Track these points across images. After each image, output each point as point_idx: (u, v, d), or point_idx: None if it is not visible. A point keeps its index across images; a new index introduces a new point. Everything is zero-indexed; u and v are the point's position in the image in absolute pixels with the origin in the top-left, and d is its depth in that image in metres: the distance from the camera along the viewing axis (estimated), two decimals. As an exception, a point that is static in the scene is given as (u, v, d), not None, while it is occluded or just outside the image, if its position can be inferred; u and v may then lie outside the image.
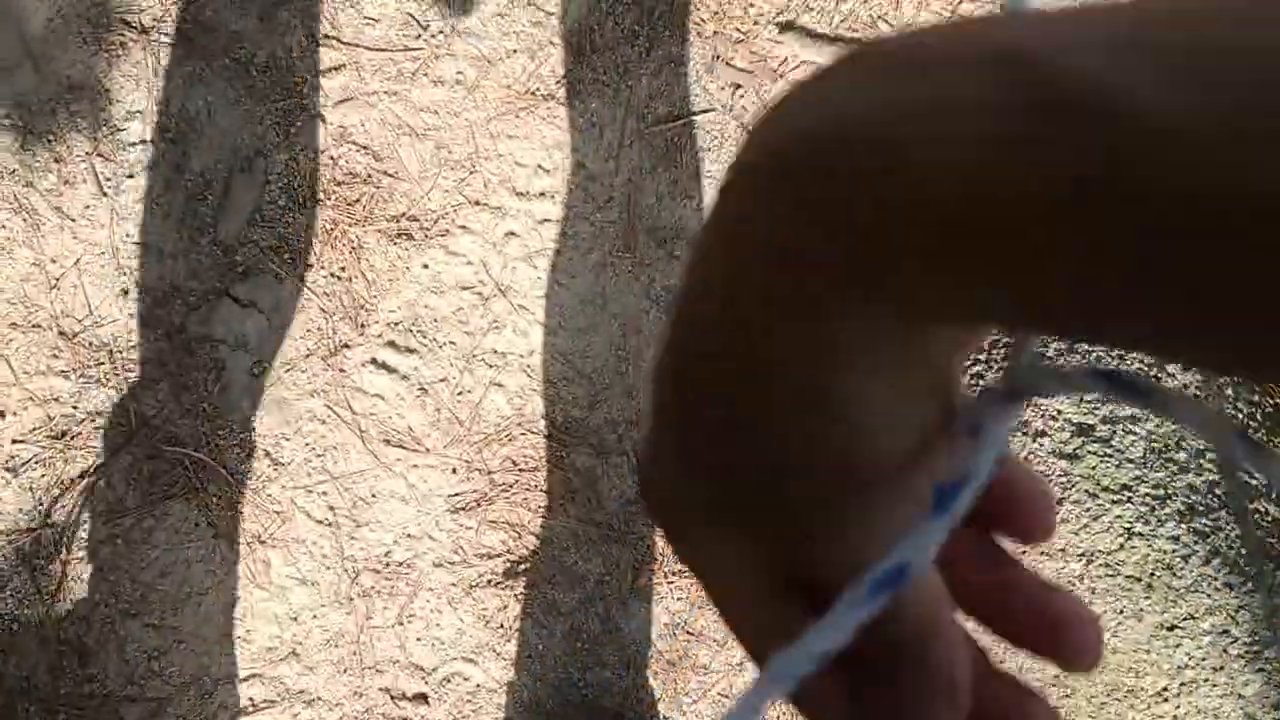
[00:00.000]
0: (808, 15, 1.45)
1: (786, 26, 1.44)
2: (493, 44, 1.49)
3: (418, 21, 1.49)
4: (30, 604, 1.42)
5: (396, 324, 1.47)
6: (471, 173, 1.48)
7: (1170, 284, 0.17)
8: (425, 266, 1.47)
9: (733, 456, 0.23)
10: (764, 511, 0.23)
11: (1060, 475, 1.35)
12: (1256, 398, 1.35)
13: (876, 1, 1.45)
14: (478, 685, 1.44)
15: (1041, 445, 1.35)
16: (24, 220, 1.47)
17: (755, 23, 1.46)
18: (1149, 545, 1.32)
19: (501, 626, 1.45)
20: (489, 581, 1.45)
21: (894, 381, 0.22)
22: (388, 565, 1.45)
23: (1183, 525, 1.31)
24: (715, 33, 1.47)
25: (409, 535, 1.45)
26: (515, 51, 1.49)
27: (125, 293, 1.47)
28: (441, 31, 1.49)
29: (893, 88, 0.19)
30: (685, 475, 0.25)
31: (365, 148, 1.48)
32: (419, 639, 1.45)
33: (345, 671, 1.43)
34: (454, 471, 1.46)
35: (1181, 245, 0.16)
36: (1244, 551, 1.31)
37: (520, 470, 1.46)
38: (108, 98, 1.49)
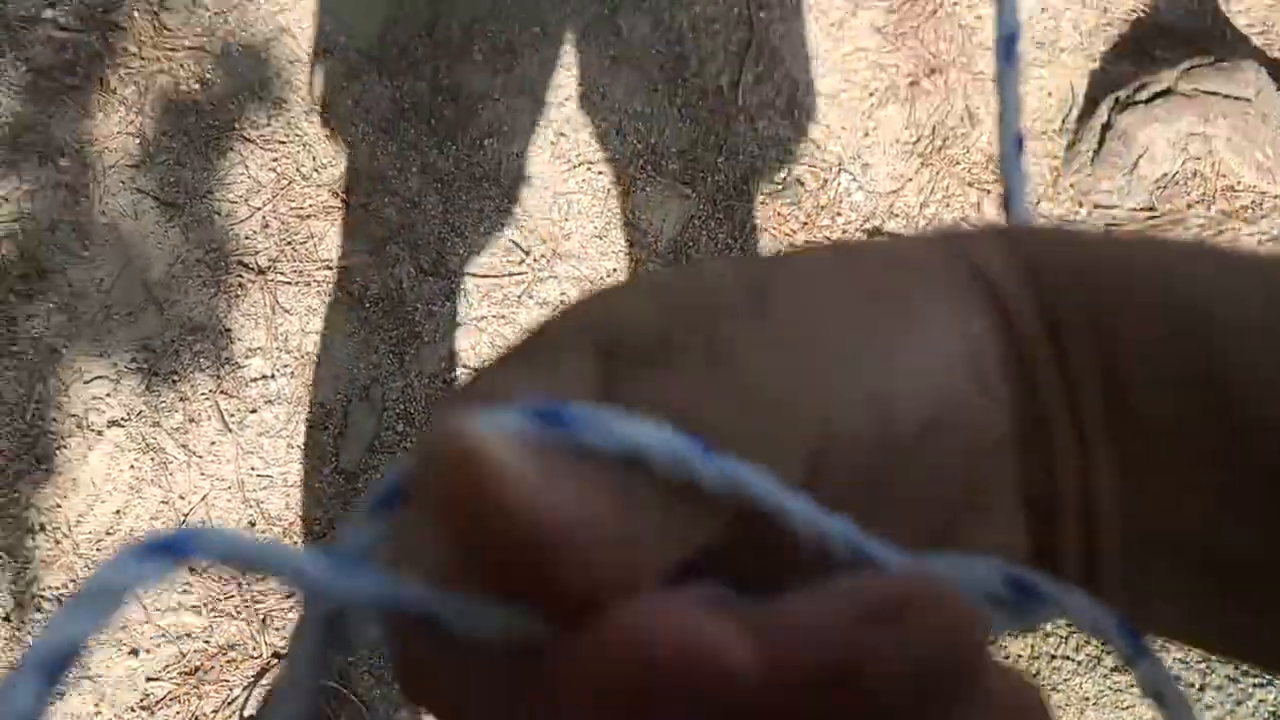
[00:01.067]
0: (893, 221, 1.53)
1: (874, 234, 1.52)
2: (592, 265, 1.57)
3: (520, 247, 1.57)
4: None
5: (516, 539, 1.50)
6: (580, 387, 1.54)
7: None
8: (541, 481, 1.51)
9: None
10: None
11: (1200, 662, 1.37)
12: None
13: (957, 207, 1.53)
14: None
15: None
16: (152, 459, 1.52)
17: (843, 231, 1.54)
18: (1290, 727, 1.33)
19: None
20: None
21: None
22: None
23: (1322, 705, 1.32)
24: (805, 242, 1.55)
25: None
26: (615, 271, 1.56)
27: (252, 525, 1.51)
28: (544, 255, 1.57)
29: None
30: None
31: (477, 371, 1.54)
32: None
33: None
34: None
35: None
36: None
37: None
38: (228, 336, 1.56)
